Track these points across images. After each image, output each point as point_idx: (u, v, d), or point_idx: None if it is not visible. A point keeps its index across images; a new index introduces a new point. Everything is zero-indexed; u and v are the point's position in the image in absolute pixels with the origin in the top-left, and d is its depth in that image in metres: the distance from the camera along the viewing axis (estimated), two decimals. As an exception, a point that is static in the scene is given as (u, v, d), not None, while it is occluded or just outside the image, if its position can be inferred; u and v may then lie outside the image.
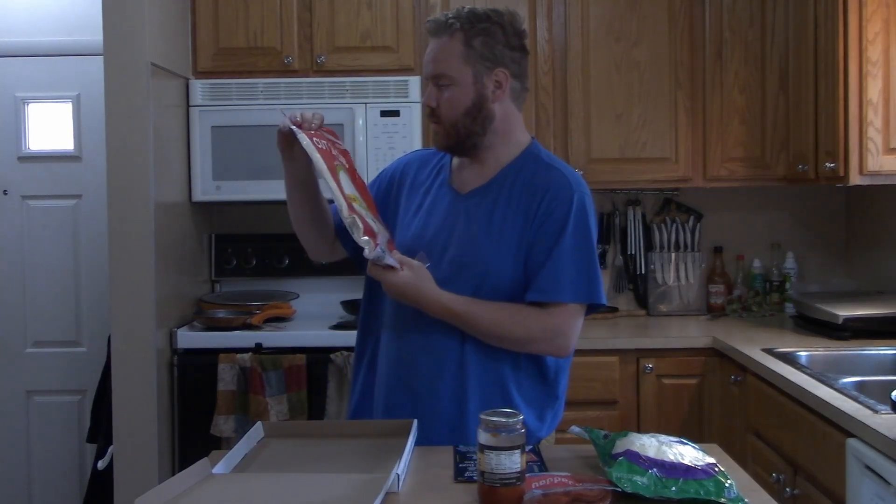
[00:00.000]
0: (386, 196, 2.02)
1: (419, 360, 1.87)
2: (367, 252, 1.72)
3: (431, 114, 1.90)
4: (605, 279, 3.72)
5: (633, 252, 3.72)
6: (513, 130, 1.93)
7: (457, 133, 1.88)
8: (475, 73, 1.85)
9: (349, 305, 3.43)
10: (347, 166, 1.86)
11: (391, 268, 1.76)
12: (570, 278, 1.83)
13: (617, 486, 1.41)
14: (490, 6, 1.95)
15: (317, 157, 1.75)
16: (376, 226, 1.80)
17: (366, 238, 1.71)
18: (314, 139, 1.79)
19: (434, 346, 1.86)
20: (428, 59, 1.89)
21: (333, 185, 1.74)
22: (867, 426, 1.97)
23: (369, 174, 3.11)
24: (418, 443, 1.71)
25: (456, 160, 1.97)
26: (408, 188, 2.00)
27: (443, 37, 1.86)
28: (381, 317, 1.95)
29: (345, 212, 1.72)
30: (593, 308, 1.90)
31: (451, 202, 1.92)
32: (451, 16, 1.86)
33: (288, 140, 1.84)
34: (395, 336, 1.91)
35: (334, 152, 1.83)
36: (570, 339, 1.86)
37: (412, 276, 1.77)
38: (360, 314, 2.03)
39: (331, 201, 1.84)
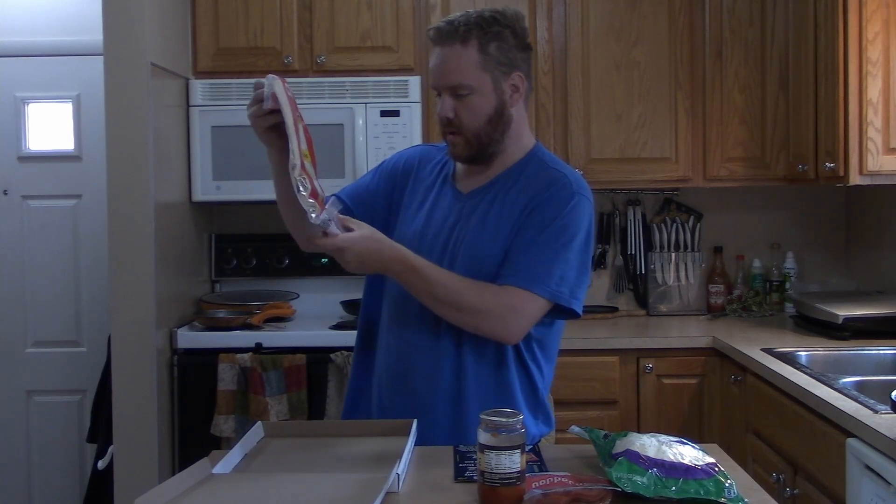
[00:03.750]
0: (389, 188, 1.99)
1: (417, 360, 1.86)
2: (312, 217, 1.62)
3: (448, 124, 1.84)
4: (604, 279, 3.73)
5: (633, 252, 3.72)
6: (522, 132, 1.92)
7: (478, 142, 1.85)
8: (493, 79, 1.83)
9: (349, 305, 3.43)
10: (301, 119, 1.78)
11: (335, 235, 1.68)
12: (544, 271, 1.77)
13: (617, 486, 1.41)
14: (491, 6, 1.93)
15: (287, 112, 1.69)
16: (322, 191, 1.71)
17: (311, 201, 1.63)
18: (285, 86, 1.73)
19: (432, 347, 1.85)
20: (440, 69, 1.83)
21: (294, 138, 1.67)
22: (867, 426, 1.97)
23: (369, 174, 3.12)
24: (417, 443, 1.71)
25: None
26: (412, 183, 1.98)
27: (454, 45, 1.81)
28: (380, 317, 1.94)
29: (297, 170, 1.64)
30: (565, 313, 1.83)
31: (453, 201, 1.91)
32: (460, 23, 1.81)
33: (269, 127, 1.77)
34: (393, 336, 1.90)
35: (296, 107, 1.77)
36: (521, 325, 1.79)
37: (368, 233, 1.71)
38: (360, 314, 2.03)
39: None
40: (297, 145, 1.67)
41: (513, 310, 1.77)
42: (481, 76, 1.82)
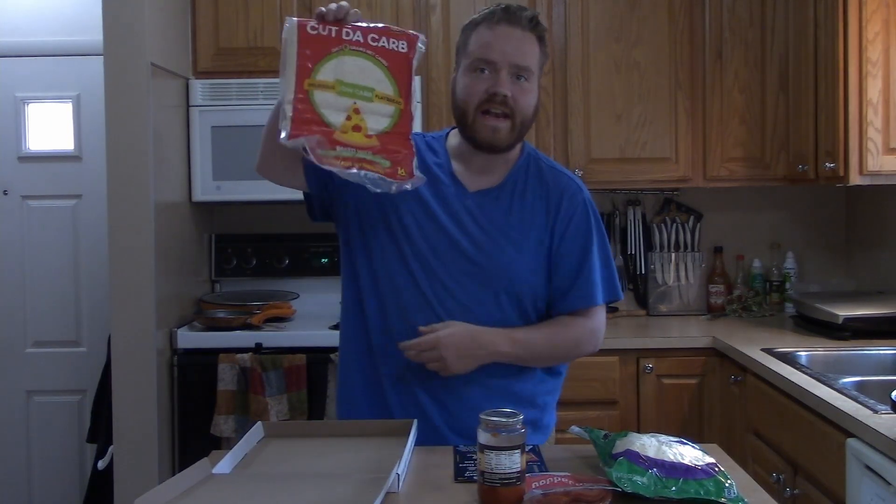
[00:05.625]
0: None
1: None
2: (282, 135, 1.60)
3: (503, 102, 1.78)
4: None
5: (633, 252, 3.72)
6: None
7: (520, 130, 1.83)
8: (538, 76, 1.85)
9: (349, 305, 3.42)
10: (385, 61, 1.68)
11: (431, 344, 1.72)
12: (603, 281, 1.90)
13: (617, 486, 1.41)
14: (493, 6, 1.91)
15: (290, 36, 1.64)
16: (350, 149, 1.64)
17: (295, 138, 1.59)
18: (310, 25, 1.65)
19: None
20: (510, 45, 1.78)
21: (291, 76, 1.62)
22: (867, 426, 1.97)
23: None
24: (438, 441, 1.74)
25: (457, 153, 1.89)
26: None
27: (526, 31, 1.81)
28: (393, 312, 1.86)
29: (287, 95, 1.60)
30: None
31: (460, 198, 1.86)
32: (531, 14, 1.83)
33: None
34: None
35: (351, 38, 1.67)
36: (602, 336, 1.96)
37: (459, 328, 1.75)
38: (349, 304, 1.98)
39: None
40: (294, 77, 1.62)
41: (598, 330, 1.93)
42: (537, 69, 1.84)
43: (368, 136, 1.66)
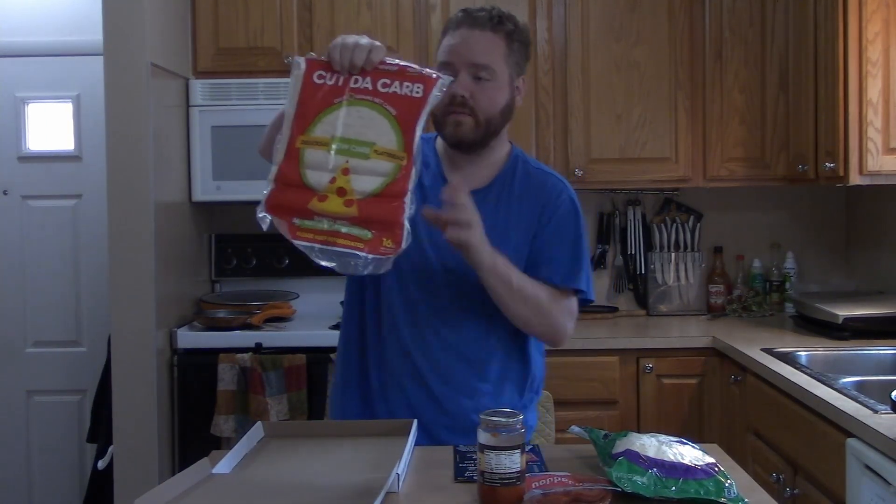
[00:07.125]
0: None
1: (455, 365, 1.85)
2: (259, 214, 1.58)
3: (462, 104, 1.80)
4: (604, 279, 3.74)
5: (633, 252, 3.72)
6: (505, 134, 1.95)
7: (486, 129, 1.84)
8: (510, 74, 1.85)
9: (349, 305, 3.43)
10: (393, 109, 1.59)
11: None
12: (585, 271, 1.89)
13: (617, 486, 1.41)
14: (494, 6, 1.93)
15: (293, 93, 1.61)
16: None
17: (261, 215, 1.58)
18: (318, 72, 1.61)
19: (470, 350, 1.85)
20: (465, 46, 1.81)
21: (286, 130, 1.59)
22: (867, 426, 1.97)
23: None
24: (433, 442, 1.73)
25: (446, 154, 1.93)
26: None
27: (486, 30, 1.82)
28: (388, 314, 1.89)
29: (277, 156, 1.58)
30: (582, 302, 1.93)
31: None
32: (495, 14, 1.84)
33: None
34: (417, 337, 1.86)
35: (359, 85, 1.60)
36: (573, 329, 1.89)
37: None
38: (351, 308, 1.99)
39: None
40: (288, 136, 1.60)
41: (572, 313, 1.87)
42: (504, 67, 1.84)
43: (348, 204, 1.57)
